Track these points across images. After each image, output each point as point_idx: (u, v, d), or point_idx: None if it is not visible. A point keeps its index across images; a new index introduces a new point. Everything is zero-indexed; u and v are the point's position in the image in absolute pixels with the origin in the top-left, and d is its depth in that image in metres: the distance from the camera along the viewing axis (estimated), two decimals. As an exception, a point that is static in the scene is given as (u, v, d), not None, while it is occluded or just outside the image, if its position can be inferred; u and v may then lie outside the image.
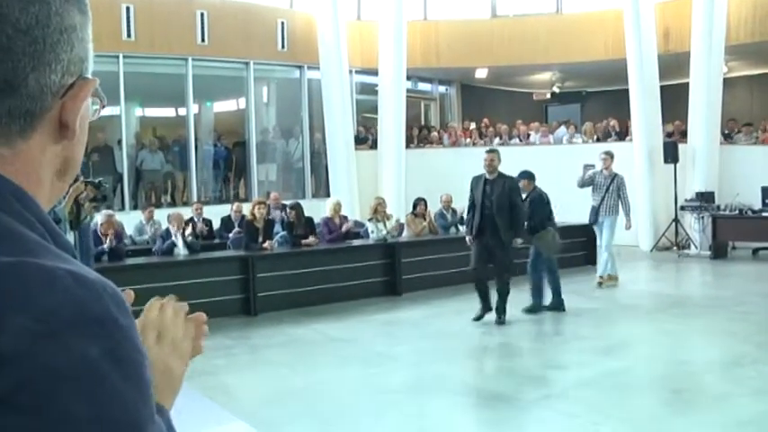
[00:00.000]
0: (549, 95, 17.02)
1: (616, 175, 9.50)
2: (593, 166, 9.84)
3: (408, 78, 14.46)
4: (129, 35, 11.67)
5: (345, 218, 10.21)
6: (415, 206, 10.50)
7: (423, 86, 16.46)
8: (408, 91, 14.53)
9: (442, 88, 16.95)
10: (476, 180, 7.60)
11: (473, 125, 15.79)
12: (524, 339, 6.99)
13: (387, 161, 13.62)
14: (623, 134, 14.05)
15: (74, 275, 0.59)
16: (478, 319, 7.32)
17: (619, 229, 9.53)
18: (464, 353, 6.55)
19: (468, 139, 15.04)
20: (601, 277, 9.41)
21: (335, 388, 5.47)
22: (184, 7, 12.32)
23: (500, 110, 16.67)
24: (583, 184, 9.63)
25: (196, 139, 13.02)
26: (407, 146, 14.01)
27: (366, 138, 14.38)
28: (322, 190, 13.95)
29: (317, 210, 10.98)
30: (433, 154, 13.96)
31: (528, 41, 14.43)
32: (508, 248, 7.37)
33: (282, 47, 13.49)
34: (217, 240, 10.04)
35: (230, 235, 9.82)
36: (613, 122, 14.35)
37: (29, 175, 0.67)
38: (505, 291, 7.32)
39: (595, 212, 9.51)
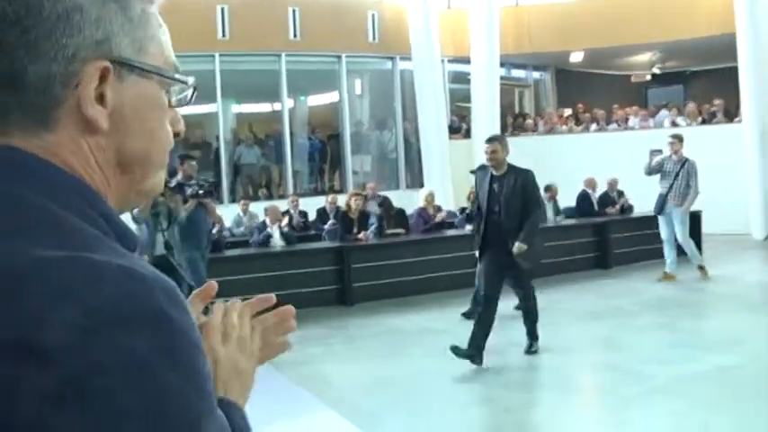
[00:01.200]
0: (648, 77, 16.32)
1: (687, 159, 8.78)
2: (660, 151, 9.21)
3: (501, 65, 14.21)
4: (223, 35, 12.02)
5: (439, 208, 10.17)
6: (509, 195, 10.31)
7: (516, 73, 16.15)
8: (502, 78, 14.28)
9: (536, 74, 16.59)
10: (481, 174, 5.92)
11: (569, 111, 15.37)
12: (626, 332, 6.72)
13: (481, 150, 13.35)
14: (732, 115, 13.29)
15: (125, 270, 0.57)
16: (470, 357, 5.50)
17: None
18: (563, 345, 6.35)
19: (564, 126, 14.65)
20: (701, 267, 8.90)
21: (429, 379, 5.45)
22: (277, 4, 12.57)
23: (597, 94, 16.12)
24: (650, 171, 8.98)
25: (291, 133, 13.28)
26: (502, 134, 13.78)
27: (460, 127, 14.25)
28: (416, 180, 13.93)
29: (410, 200, 10.99)
30: (528, 142, 13.64)
31: (626, 20, 13.84)
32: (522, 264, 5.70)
33: (373, 39, 13.54)
34: (312, 232, 10.19)
35: (325, 226, 9.95)
36: (719, 102, 13.56)
37: (74, 167, 0.65)
38: (532, 310, 5.98)
39: (662, 201, 8.82)
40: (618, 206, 10.69)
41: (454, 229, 10.02)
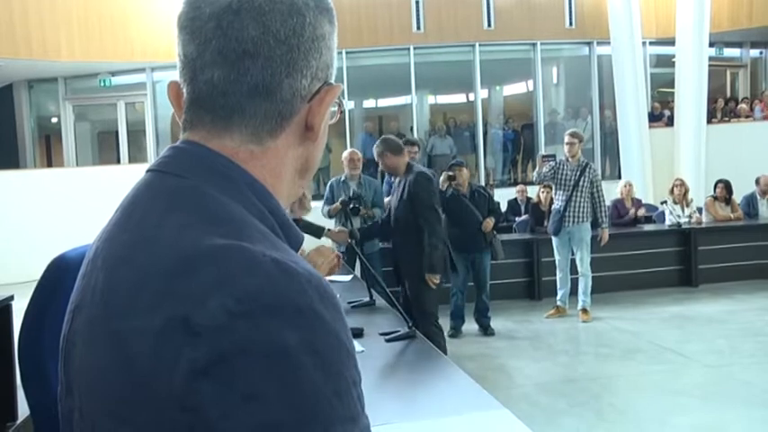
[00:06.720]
0: None
1: (587, 164, 7.00)
2: (552, 157, 7.34)
3: (711, 45, 13.10)
4: (418, 27, 12.29)
5: (640, 202, 9.70)
6: (715, 188, 9.59)
7: (729, 52, 14.76)
8: (711, 59, 13.15)
9: (754, 52, 15.05)
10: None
11: (794, 93, 13.88)
12: None
13: (684, 139, 12.54)
14: None
15: (278, 263, 0.61)
16: None
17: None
18: (771, 355, 5.83)
19: (788, 110, 13.25)
20: (584, 310, 7.14)
21: (615, 383, 5.24)
22: (470, -5, 12.59)
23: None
24: (542, 179, 7.25)
25: (485, 123, 13.29)
26: (709, 121, 12.73)
27: (661, 114, 13.40)
28: (614, 171, 13.34)
29: (608, 193, 10.54)
30: (740, 129, 12.54)
31: None
32: (422, 298, 4.70)
33: (570, 24, 13.12)
34: (504, 223, 10.13)
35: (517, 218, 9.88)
36: None
37: (272, 170, 0.74)
38: None
39: (558, 218, 6.99)
40: None
41: (652, 224, 9.49)
